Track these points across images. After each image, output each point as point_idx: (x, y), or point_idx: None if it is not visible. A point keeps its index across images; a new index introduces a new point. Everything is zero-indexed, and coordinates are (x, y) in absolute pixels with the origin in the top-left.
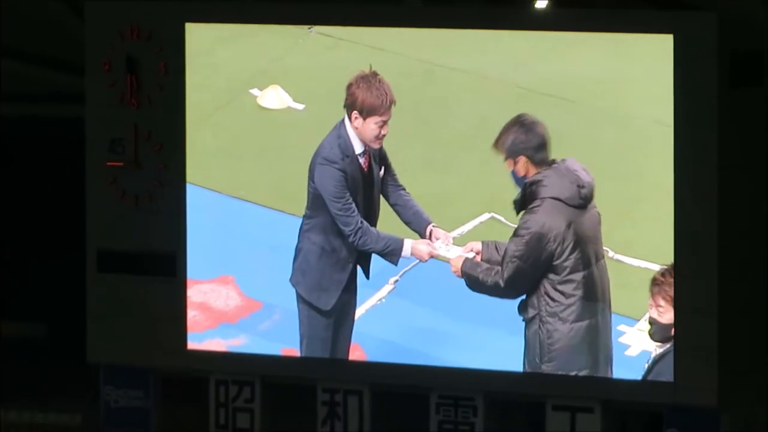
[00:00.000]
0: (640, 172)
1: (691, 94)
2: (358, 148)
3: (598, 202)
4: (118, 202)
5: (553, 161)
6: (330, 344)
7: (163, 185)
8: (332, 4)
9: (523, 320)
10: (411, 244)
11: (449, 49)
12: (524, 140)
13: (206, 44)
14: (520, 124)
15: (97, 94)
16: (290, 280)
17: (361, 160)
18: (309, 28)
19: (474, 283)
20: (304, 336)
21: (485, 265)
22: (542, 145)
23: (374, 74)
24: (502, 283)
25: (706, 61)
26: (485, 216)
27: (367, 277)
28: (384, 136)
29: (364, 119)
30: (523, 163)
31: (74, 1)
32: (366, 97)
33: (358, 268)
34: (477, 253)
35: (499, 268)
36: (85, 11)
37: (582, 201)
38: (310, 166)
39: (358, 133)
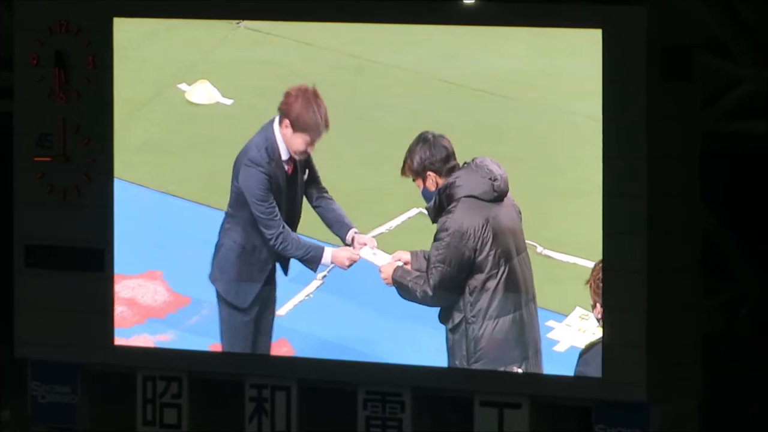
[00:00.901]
0: (571, 167)
1: (620, 89)
2: (285, 155)
3: (528, 197)
4: (46, 196)
5: (465, 163)
6: (250, 340)
7: (91, 180)
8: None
9: (448, 328)
10: (331, 252)
11: (380, 45)
12: (430, 156)
13: (134, 39)
14: (423, 140)
15: (25, 88)
16: (209, 276)
17: (286, 166)
18: (237, 23)
19: (405, 291)
20: (224, 332)
21: (415, 273)
22: (449, 157)
23: (315, 94)
24: (430, 291)
25: (636, 56)
26: (414, 211)
27: (286, 274)
28: (309, 152)
29: (293, 132)
30: (432, 179)
31: None
32: (301, 113)
33: (278, 265)
34: (406, 263)
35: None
36: (14, 5)
37: (497, 194)
38: (235, 165)
39: (285, 141)
